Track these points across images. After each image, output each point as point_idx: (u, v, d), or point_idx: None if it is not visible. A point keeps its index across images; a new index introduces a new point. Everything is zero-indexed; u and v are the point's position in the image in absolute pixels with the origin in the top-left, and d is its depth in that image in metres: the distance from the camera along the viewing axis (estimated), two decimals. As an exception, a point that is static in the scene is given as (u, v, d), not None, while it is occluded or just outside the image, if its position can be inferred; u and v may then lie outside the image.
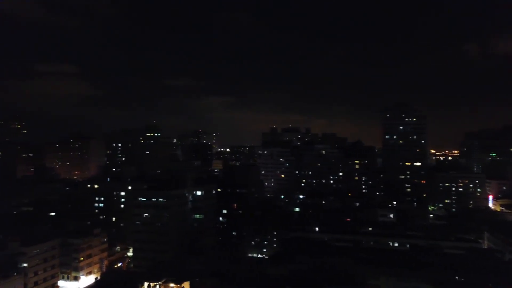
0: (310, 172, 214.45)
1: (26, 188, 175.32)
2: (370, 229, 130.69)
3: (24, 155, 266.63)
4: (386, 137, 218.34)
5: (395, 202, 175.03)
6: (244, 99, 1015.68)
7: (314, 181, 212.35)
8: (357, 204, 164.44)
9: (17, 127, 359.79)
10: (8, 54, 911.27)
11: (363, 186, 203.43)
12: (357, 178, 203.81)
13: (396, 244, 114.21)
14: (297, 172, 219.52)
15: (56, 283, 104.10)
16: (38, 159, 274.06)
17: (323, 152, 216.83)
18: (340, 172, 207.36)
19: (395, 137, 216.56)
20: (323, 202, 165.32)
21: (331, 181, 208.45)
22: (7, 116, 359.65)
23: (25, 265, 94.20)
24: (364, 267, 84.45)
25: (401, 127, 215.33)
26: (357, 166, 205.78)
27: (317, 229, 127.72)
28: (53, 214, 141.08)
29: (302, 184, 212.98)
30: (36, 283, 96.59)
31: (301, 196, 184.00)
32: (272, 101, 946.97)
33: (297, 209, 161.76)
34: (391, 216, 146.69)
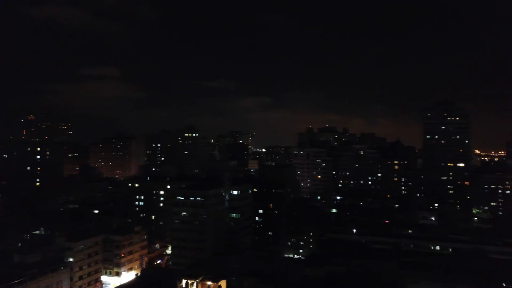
0: (347, 173, 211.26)
1: (72, 186, 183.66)
2: (410, 231, 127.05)
3: (70, 155, 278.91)
4: (427, 137, 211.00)
5: (436, 204, 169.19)
6: (281, 99, 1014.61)
7: (351, 182, 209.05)
8: (397, 205, 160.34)
9: (64, 128, 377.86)
10: (56, 59, 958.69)
11: (403, 188, 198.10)
12: (396, 179, 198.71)
13: (438, 248, 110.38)
14: (334, 172, 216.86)
15: (99, 277, 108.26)
16: (83, 159, 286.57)
17: (361, 153, 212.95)
18: (379, 173, 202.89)
19: (436, 137, 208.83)
20: (361, 203, 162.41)
21: (369, 182, 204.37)
22: (55, 118, 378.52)
23: (71, 259, 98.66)
24: (404, 270, 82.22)
25: (443, 127, 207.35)
26: (396, 167, 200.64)
27: (354, 230, 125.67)
28: (96, 211, 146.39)
29: (339, 185, 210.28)
30: (81, 277, 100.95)
31: (338, 197, 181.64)
32: (309, 101, 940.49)
33: (334, 210, 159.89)
34: (433, 218, 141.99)
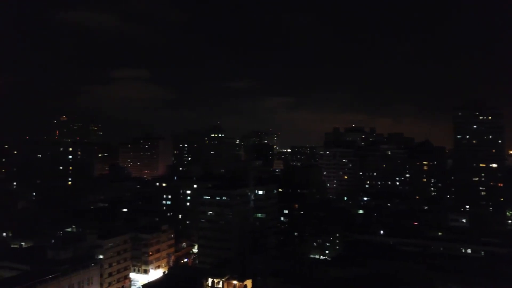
0: (374, 174, 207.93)
1: (102, 185, 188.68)
2: (439, 233, 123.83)
3: (100, 155, 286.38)
4: (458, 136, 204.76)
5: (468, 206, 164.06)
6: (307, 99, 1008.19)
7: (378, 182, 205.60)
8: (425, 207, 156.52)
9: (94, 129, 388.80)
10: (87, 62, 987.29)
11: (432, 189, 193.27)
12: (425, 180, 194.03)
13: (469, 251, 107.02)
14: (361, 173, 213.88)
15: (128, 275, 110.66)
16: (113, 159, 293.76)
17: (389, 153, 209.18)
18: (407, 173, 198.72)
19: (468, 136, 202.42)
20: (389, 204, 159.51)
21: (397, 183, 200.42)
22: (86, 119, 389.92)
23: (101, 256, 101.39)
24: (433, 273, 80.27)
25: (475, 126, 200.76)
26: (425, 168, 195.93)
27: (382, 232, 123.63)
28: (125, 210, 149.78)
29: (366, 186, 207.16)
30: (110, 274, 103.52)
31: (365, 198, 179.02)
32: (335, 101, 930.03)
33: (360, 211, 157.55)
34: (464, 220, 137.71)
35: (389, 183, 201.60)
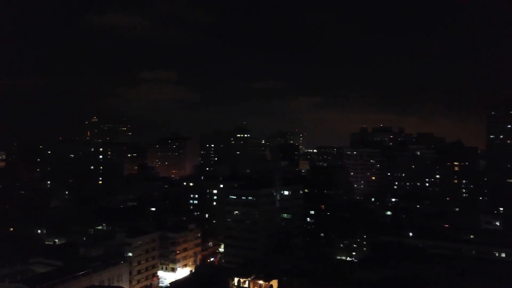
0: (403, 174, 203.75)
1: (131, 185, 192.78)
2: (471, 236, 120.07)
3: (129, 155, 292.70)
4: (491, 136, 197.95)
5: (501, 208, 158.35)
6: (333, 99, 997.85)
7: (407, 183, 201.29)
8: (457, 209, 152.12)
9: (124, 129, 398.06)
10: (117, 64, 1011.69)
11: (464, 190, 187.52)
12: (456, 181, 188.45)
13: (503, 255, 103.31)
14: (389, 174, 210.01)
15: (156, 272, 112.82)
16: (141, 159, 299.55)
17: (418, 153, 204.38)
18: (437, 174, 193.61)
19: (501, 136, 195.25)
20: (418, 206, 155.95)
21: (427, 184, 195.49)
22: (116, 120, 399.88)
23: (130, 254, 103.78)
24: (465, 278, 78.04)
25: (509, 126, 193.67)
26: (456, 168, 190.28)
27: (411, 234, 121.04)
28: (153, 209, 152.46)
29: (395, 187, 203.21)
30: (139, 272, 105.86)
31: (393, 199, 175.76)
32: (363, 101, 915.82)
33: (388, 213, 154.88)
34: (497, 223, 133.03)
35: (418, 184, 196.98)
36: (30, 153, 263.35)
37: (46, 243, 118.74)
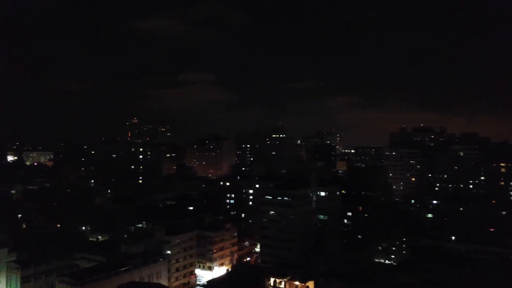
0: (445, 176, 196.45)
1: (170, 184, 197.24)
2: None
3: (168, 155, 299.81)
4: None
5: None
6: (372, 98, 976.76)
7: (449, 185, 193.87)
8: (504, 212, 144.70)
9: (163, 130, 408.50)
10: (157, 67, 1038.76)
11: (511, 193, 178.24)
12: (503, 183, 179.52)
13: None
14: (429, 175, 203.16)
15: (193, 270, 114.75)
16: (180, 159, 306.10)
17: (461, 154, 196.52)
18: (482, 176, 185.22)
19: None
20: (461, 208, 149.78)
21: (471, 186, 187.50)
22: (155, 121, 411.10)
23: (168, 252, 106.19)
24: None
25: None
26: (503, 170, 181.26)
27: (453, 238, 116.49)
28: (191, 208, 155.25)
29: (436, 189, 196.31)
30: (177, 269, 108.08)
31: (434, 202, 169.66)
32: (403, 100, 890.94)
33: (429, 215, 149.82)
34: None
35: (462, 186, 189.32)
36: (76, 153, 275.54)
37: (90, 239, 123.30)
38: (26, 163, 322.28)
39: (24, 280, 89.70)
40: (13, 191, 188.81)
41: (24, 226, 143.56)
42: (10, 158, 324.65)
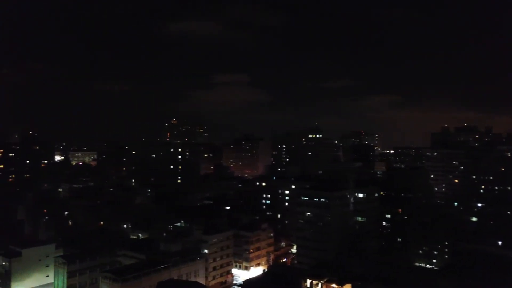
0: (490, 177, 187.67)
1: (208, 184, 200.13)
2: None
3: (206, 155, 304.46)
4: None
5: None
6: (412, 97, 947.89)
7: (495, 187, 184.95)
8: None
9: (200, 131, 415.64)
10: (193, 69, 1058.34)
11: None
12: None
13: None
14: (474, 177, 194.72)
15: (230, 270, 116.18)
16: (217, 159, 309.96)
17: (508, 154, 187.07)
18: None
19: None
20: (508, 212, 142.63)
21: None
22: (193, 122, 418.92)
23: (206, 251, 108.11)
24: None
25: None
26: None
27: (500, 243, 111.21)
28: (228, 208, 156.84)
29: (480, 191, 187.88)
30: (214, 268, 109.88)
31: (479, 204, 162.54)
32: (445, 99, 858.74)
33: (474, 219, 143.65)
34: None
35: (509, 188, 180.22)
36: (117, 153, 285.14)
37: (131, 237, 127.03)
38: (72, 163, 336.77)
39: (70, 275, 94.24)
40: (60, 190, 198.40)
41: (70, 223, 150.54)
42: (57, 158, 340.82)
